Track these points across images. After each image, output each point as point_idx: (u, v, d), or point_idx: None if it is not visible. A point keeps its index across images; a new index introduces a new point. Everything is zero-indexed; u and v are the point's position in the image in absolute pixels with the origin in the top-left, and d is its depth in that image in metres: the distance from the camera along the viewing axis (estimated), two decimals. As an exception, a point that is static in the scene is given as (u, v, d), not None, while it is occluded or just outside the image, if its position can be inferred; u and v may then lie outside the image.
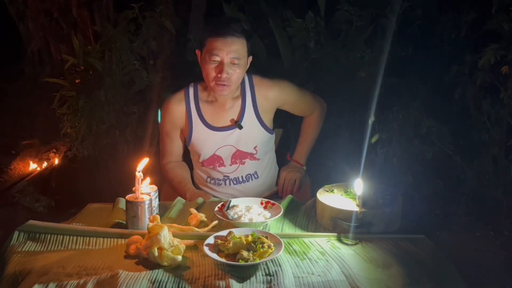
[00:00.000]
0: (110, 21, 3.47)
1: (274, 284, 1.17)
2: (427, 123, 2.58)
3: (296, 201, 1.70)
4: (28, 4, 3.89)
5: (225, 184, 1.99)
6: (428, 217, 2.68)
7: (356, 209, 1.45)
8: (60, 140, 3.73)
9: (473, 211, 2.64)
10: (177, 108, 1.94)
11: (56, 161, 3.72)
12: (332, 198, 1.54)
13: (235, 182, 1.99)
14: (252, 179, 2.00)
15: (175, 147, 2.02)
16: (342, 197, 1.56)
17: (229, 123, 1.93)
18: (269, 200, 1.65)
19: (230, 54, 1.78)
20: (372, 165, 2.64)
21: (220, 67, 1.78)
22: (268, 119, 1.97)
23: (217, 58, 1.78)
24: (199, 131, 1.93)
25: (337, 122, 2.69)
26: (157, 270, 1.25)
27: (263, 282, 1.19)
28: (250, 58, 1.88)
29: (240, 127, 1.91)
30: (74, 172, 3.35)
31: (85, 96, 2.95)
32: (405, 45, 2.76)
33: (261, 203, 1.64)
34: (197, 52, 1.88)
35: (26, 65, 4.20)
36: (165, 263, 1.26)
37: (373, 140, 2.59)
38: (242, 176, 1.98)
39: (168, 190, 2.05)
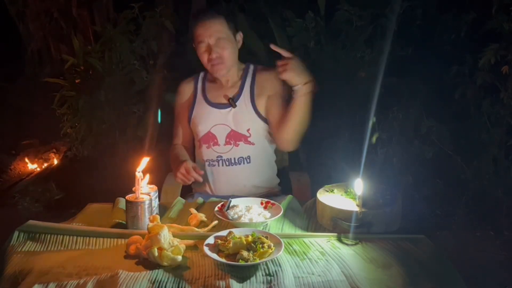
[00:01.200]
0: (110, 21, 3.47)
1: (274, 284, 1.17)
2: (427, 123, 2.59)
3: (296, 201, 1.70)
4: (28, 4, 3.89)
5: (219, 165, 2.02)
6: (428, 217, 2.69)
7: (356, 209, 1.45)
8: (60, 140, 3.73)
9: (473, 211, 2.64)
10: (186, 87, 2.12)
11: (56, 161, 3.72)
12: (332, 198, 1.54)
13: (227, 163, 2.02)
14: (244, 163, 2.02)
15: (181, 130, 2.13)
16: (342, 197, 1.56)
17: (226, 101, 2.03)
18: (269, 200, 1.65)
19: (213, 35, 1.91)
20: (372, 165, 2.64)
21: (208, 49, 1.93)
22: (261, 106, 2.02)
23: (203, 43, 1.93)
24: (200, 106, 2.06)
25: (337, 122, 2.69)
26: (157, 270, 1.25)
27: (263, 282, 1.19)
28: (240, 34, 2.01)
29: (234, 105, 2.00)
30: (74, 172, 3.35)
31: (85, 96, 2.95)
32: (405, 45, 2.76)
33: (261, 203, 1.64)
34: (194, 46, 2.00)
35: (26, 65, 4.20)
36: (165, 263, 1.26)
37: (373, 139, 2.59)
38: (234, 158, 2.02)
39: (168, 190, 2.05)
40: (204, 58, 1.95)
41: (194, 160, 2.10)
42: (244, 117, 2.01)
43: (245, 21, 2.83)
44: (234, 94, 2.03)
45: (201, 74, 2.13)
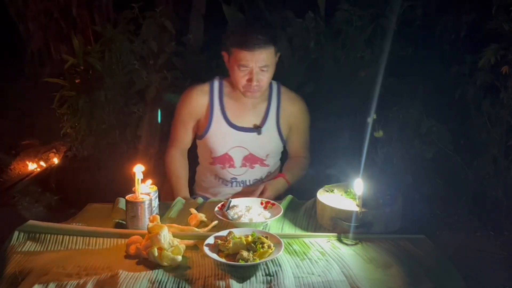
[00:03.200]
0: (110, 21, 3.46)
1: (274, 284, 1.17)
2: (427, 123, 2.58)
3: (296, 201, 1.70)
4: (28, 4, 3.89)
5: (231, 186, 2.00)
6: (428, 217, 2.68)
7: (356, 209, 1.45)
8: (60, 140, 3.72)
9: (473, 211, 2.64)
10: (200, 99, 1.95)
11: (56, 161, 3.71)
12: (332, 198, 1.54)
13: (242, 184, 2.00)
14: (258, 183, 2.01)
15: (186, 137, 2.02)
16: (342, 197, 1.56)
17: (249, 125, 1.95)
18: (269, 200, 1.65)
19: (259, 63, 1.79)
20: (372, 165, 2.64)
21: (250, 75, 1.81)
22: (284, 128, 2.00)
23: (246, 69, 1.80)
24: (219, 126, 1.94)
25: (337, 122, 2.68)
26: (157, 270, 1.25)
27: (263, 282, 1.19)
28: (278, 54, 1.89)
29: (260, 133, 1.94)
30: (74, 172, 3.35)
31: (85, 96, 2.95)
32: (405, 45, 2.76)
33: (261, 203, 1.64)
34: (224, 54, 1.88)
35: (26, 65, 4.19)
36: (165, 263, 1.26)
37: (378, 135, 2.58)
38: (249, 180, 2.00)
39: (168, 190, 2.05)
40: (241, 82, 1.83)
41: (192, 163, 2.08)
42: (266, 143, 1.97)
43: (245, 21, 2.82)
44: (260, 118, 1.95)
45: (216, 83, 1.96)
